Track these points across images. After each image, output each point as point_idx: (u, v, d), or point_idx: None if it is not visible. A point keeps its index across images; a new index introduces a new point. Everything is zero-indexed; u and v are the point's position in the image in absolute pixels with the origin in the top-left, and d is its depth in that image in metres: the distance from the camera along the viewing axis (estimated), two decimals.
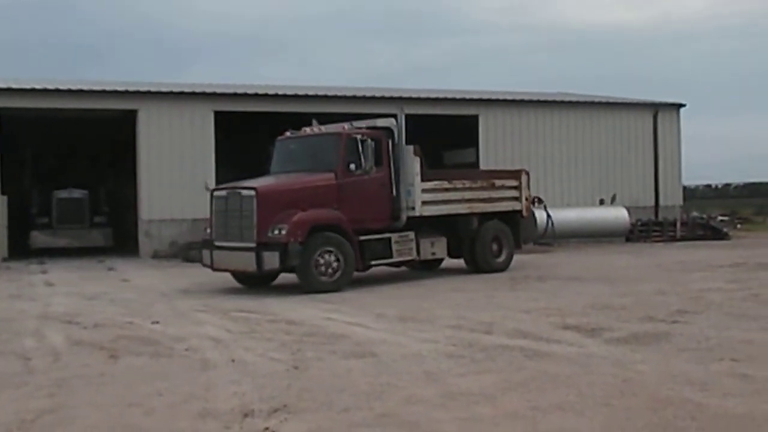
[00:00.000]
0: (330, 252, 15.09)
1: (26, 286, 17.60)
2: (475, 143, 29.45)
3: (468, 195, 18.04)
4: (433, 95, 29.26)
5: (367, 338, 10.18)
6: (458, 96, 29.64)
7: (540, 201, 28.33)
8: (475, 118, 29.11)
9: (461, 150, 31.04)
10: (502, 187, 18.91)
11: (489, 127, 29.22)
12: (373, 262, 16.22)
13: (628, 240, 28.49)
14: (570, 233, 27.84)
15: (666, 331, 10.08)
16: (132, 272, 20.48)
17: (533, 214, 27.82)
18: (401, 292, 14.98)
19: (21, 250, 26.46)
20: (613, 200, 30.38)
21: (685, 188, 64.89)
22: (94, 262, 23.84)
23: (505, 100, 29.73)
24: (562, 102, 31.04)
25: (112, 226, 28.61)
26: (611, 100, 32.10)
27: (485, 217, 18.30)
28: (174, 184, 25.21)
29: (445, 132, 30.93)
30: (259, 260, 14.78)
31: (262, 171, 17.43)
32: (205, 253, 16.04)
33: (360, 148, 16.00)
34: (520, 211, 19.17)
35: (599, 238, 28.10)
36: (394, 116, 17.13)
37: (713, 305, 12.21)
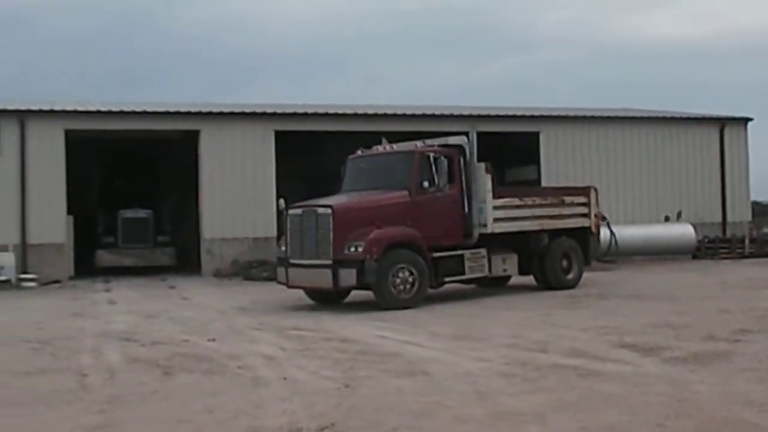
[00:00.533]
0: (405, 269, 15.22)
1: (89, 305, 17.92)
2: (536, 160, 29.21)
3: (538, 212, 18.10)
4: (493, 112, 29.03)
5: (420, 357, 10.11)
6: (519, 113, 29.37)
7: (603, 218, 27.94)
8: (537, 135, 28.87)
9: (523, 167, 30.82)
10: (572, 204, 19.00)
11: (550, 144, 28.93)
12: (447, 279, 16.26)
13: (694, 257, 27.86)
14: (634, 251, 27.34)
15: (727, 351, 9.82)
16: (192, 290, 20.72)
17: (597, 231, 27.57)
18: (456, 311, 14.86)
19: (87, 269, 26.97)
20: (678, 217, 29.75)
21: (759, 204, 63.35)
22: (156, 281, 24.20)
23: (566, 117, 29.41)
24: (625, 118, 30.61)
25: (175, 246, 28.99)
26: (676, 116, 31.55)
27: (555, 233, 18.37)
28: (235, 203, 25.50)
29: (507, 149, 30.75)
30: (335, 277, 14.94)
31: (332, 189, 17.65)
32: (281, 270, 16.22)
33: (433, 165, 16.19)
34: (589, 228, 19.24)
35: (664, 256, 27.56)
36: (466, 134, 17.29)
37: None
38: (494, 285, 18.35)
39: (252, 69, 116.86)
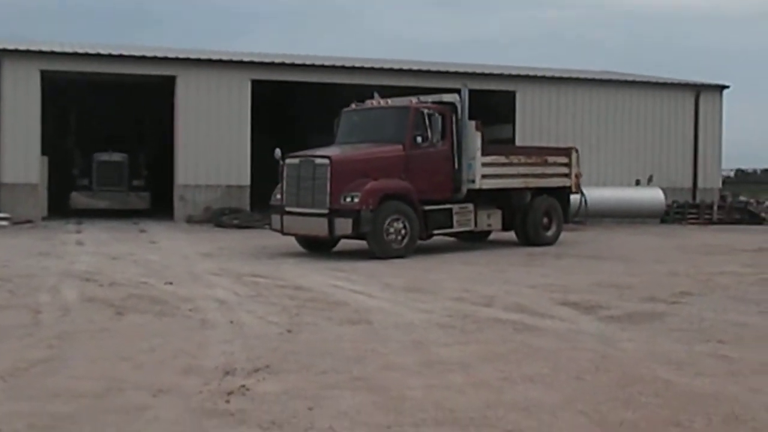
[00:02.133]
0: (399, 220, 15.74)
1: (58, 245, 18.12)
2: (512, 119, 29.39)
3: (523, 170, 18.67)
4: (470, 70, 29.15)
5: (367, 306, 10.40)
6: (496, 71, 29.49)
7: None
8: (513, 94, 29.01)
9: (499, 126, 31.00)
10: (554, 164, 19.60)
11: (526, 104, 29.10)
12: (435, 232, 16.88)
13: (663, 221, 28.23)
14: (604, 213, 27.65)
15: (663, 312, 10.15)
16: (162, 235, 20.93)
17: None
18: (415, 264, 15.12)
19: (62, 210, 27.11)
20: (649, 181, 30.08)
21: (742, 171, 63.58)
22: (129, 225, 24.38)
23: (543, 77, 29.51)
24: (601, 80, 30.81)
25: (150, 190, 29.10)
26: (652, 80, 31.68)
27: (537, 192, 19.00)
28: (210, 150, 25.62)
29: (484, 107, 30.88)
30: (331, 226, 15.43)
31: (324, 142, 18.08)
32: (275, 218, 16.57)
33: (427, 121, 16.66)
34: (569, 187, 19.92)
35: (634, 219, 27.92)
36: (458, 91, 17.75)
37: (720, 288, 12.21)
38: (475, 239, 18.99)
39: (246, 18, 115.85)
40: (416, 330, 8.95)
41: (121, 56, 25.48)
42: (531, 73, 29.76)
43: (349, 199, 15.38)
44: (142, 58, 25.70)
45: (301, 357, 7.65)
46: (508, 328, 9.09)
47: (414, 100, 17.67)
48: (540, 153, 19.93)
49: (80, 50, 25.54)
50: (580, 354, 7.84)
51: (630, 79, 31.83)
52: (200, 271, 13.70)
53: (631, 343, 8.35)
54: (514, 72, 29.69)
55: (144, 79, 26.88)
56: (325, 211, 15.53)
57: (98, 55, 25.24)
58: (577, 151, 20.38)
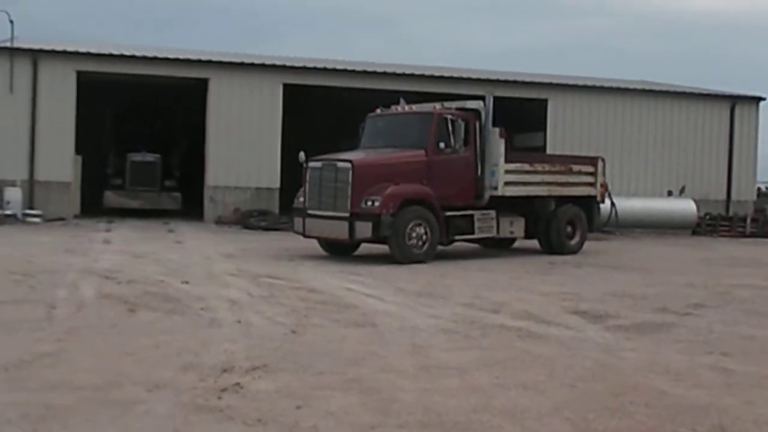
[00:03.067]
0: (420, 225, 15.85)
1: (85, 242, 18.44)
2: (544, 127, 29.35)
3: (547, 178, 18.65)
4: (503, 77, 29.19)
5: (376, 310, 10.49)
6: (528, 80, 29.48)
7: (605, 189, 28.12)
8: (545, 102, 28.98)
9: (531, 134, 30.97)
10: (579, 173, 19.55)
11: (558, 112, 29.08)
12: (457, 237, 16.97)
13: (694, 233, 27.96)
14: (634, 223, 27.52)
15: (672, 323, 10.10)
16: (189, 235, 21.21)
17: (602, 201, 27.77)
18: (431, 269, 15.16)
19: (95, 209, 27.54)
20: (682, 192, 29.83)
21: None
22: (159, 224, 24.72)
23: (575, 86, 29.44)
24: (635, 90, 30.64)
25: (182, 191, 29.47)
26: (687, 91, 31.45)
27: (562, 200, 18.93)
28: (241, 152, 25.92)
29: (516, 115, 30.91)
30: (351, 229, 15.60)
31: (351, 146, 18.23)
32: (298, 220, 16.67)
33: (450, 127, 16.74)
34: (595, 197, 19.86)
35: (665, 230, 27.70)
36: (483, 98, 17.83)
37: (735, 301, 12.12)
38: (499, 246, 19.05)
39: (279, 22, 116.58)
40: (420, 334, 9.01)
41: (155, 58, 25.89)
42: (563, 81, 29.68)
43: (369, 203, 15.50)
44: (176, 60, 26.10)
45: (300, 357, 7.74)
46: (512, 335, 9.11)
47: (437, 106, 17.75)
48: (565, 161, 19.84)
49: (115, 52, 25.95)
50: (578, 362, 7.85)
51: (664, 89, 31.62)
52: (218, 271, 13.88)
53: (633, 353, 8.34)
54: (546, 80, 29.64)
55: (178, 81, 27.24)
56: (346, 215, 15.67)
57: (133, 57, 25.66)
58: (603, 160, 20.28)
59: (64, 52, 25.27)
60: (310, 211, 16.36)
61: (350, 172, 15.77)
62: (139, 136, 30.13)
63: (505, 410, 6.18)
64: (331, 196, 16.00)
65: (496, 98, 28.35)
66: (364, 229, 15.52)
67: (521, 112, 30.02)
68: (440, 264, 16.01)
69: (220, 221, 25.47)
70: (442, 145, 16.59)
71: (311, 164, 16.64)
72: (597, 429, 5.83)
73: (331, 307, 10.58)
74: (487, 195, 17.47)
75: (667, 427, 5.91)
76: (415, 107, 18.20)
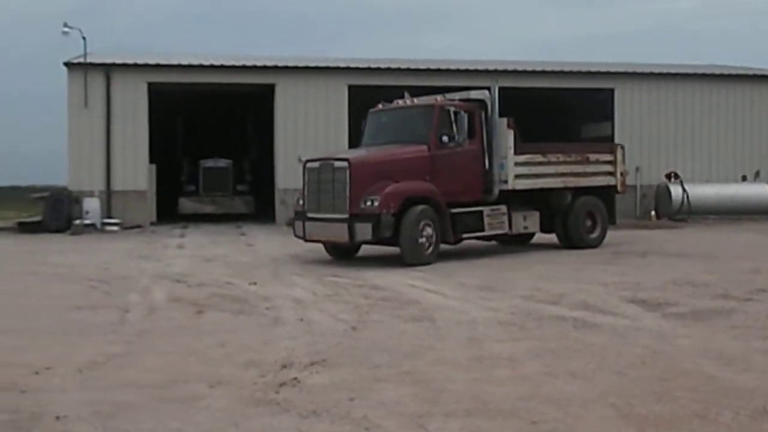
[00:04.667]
0: (429, 225, 15.14)
1: (159, 248, 19.07)
2: (611, 117, 29.16)
3: (562, 169, 17.77)
4: (567, 68, 29.05)
5: (436, 304, 10.71)
6: (593, 69, 29.29)
7: (676, 176, 27.89)
8: (611, 91, 28.77)
9: (598, 124, 30.79)
10: (597, 162, 18.63)
11: (625, 101, 28.84)
12: (465, 236, 16.18)
13: None
14: (708, 210, 27.26)
15: (732, 309, 10.08)
16: (260, 238, 21.74)
17: (668, 188, 27.45)
18: (493, 263, 15.34)
19: (170, 215, 28.37)
20: (756, 177, 29.33)
21: None
22: (232, 228, 25.33)
23: (642, 73, 29.15)
24: (705, 75, 30.13)
25: (254, 194, 30.12)
26: (758, 74, 30.81)
27: (579, 191, 18.02)
28: (309, 154, 26.24)
29: (582, 105, 30.79)
30: (351, 231, 14.84)
31: (356, 144, 17.84)
32: (298, 224, 16.05)
33: (453, 120, 15.94)
34: (614, 186, 18.84)
35: (739, 216, 27.27)
36: (488, 88, 17.19)
37: None
38: (517, 243, 18.31)
39: (341, 24, 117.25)
40: (477, 327, 9.20)
41: (222, 66, 26.52)
42: (630, 69, 29.41)
43: (368, 203, 14.74)
44: (242, 68, 26.66)
45: (358, 352, 8.03)
46: (567, 325, 9.24)
47: (439, 97, 17.00)
48: (582, 150, 18.92)
49: (185, 62, 26.71)
50: (630, 350, 7.95)
51: (735, 72, 31.02)
52: (285, 272, 14.27)
53: (687, 340, 8.40)
54: (612, 69, 29.39)
55: (245, 87, 27.85)
56: (345, 216, 14.92)
57: (201, 66, 26.36)
58: (622, 147, 19.47)
59: (135, 65, 26.08)
60: (309, 214, 15.67)
61: (347, 171, 14.97)
62: (210, 142, 30.88)
63: (552, 398, 6.35)
64: (329, 198, 15.29)
65: (562, 89, 28.56)
66: (364, 230, 14.74)
67: (587, 102, 29.92)
68: (503, 258, 16.15)
69: (291, 223, 25.90)
70: (445, 138, 15.75)
71: (309, 165, 15.98)
72: (640, 414, 5.95)
73: (392, 303, 10.84)
74: (496, 189, 16.66)
75: (711, 410, 6.00)
76: (417, 100, 17.16)
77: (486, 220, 16.31)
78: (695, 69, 31.13)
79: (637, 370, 7.21)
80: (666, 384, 6.70)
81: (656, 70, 29.62)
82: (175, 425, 5.77)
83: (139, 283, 13.07)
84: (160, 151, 27.51)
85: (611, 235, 18.95)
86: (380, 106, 17.66)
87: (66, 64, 25.78)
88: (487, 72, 27.60)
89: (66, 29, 26.01)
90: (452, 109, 16.14)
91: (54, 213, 24.74)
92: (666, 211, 27.50)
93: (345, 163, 15.19)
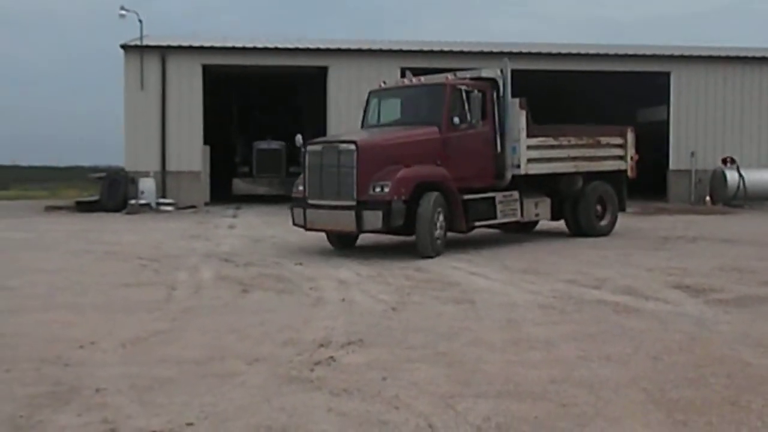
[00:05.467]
0: (441, 213, 14.06)
1: (210, 228, 19.38)
2: (667, 101, 28.77)
3: (573, 153, 16.81)
4: (621, 51, 28.67)
5: (477, 287, 10.75)
6: (649, 52, 28.85)
7: (733, 161, 27.43)
8: (667, 75, 28.35)
9: (653, 108, 30.41)
10: (608, 145, 17.68)
11: (681, 85, 28.39)
12: (477, 223, 15.07)
13: None
14: (765, 195, 26.88)
15: None
16: None
17: (723, 173, 27.01)
18: (540, 247, 15.24)
19: (225, 196, 28.75)
20: None
21: None
22: (284, 209, 25.44)
23: (698, 57, 28.65)
24: (763, 58, 29.48)
25: None
26: None
27: (590, 176, 17.16)
28: None
29: (638, 89, 30.43)
30: (359, 220, 13.56)
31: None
32: (297, 212, 14.69)
33: (465, 100, 14.78)
34: (625, 171, 17.93)
35: None
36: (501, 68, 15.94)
37: None
38: (521, 230, 17.41)
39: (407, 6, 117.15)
40: (516, 310, 9.22)
41: (276, 49, 26.74)
42: (686, 53, 28.91)
43: (378, 189, 13.48)
44: (295, 50, 26.86)
45: (395, 333, 8.11)
46: (607, 309, 9.21)
47: (450, 76, 15.80)
48: (592, 133, 17.57)
49: (238, 44, 26.96)
50: (669, 335, 7.90)
51: None
52: (332, 253, 14.40)
53: (728, 326, 8.32)
54: (668, 52, 28.93)
55: (299, 69, 28.03)
56: (353, 203, 13.59)
57: (254, 49, 26.60)
58: (633, 130, 18.25)
59: (190, 48, 26.42)
60: (311, 201, 14.27)
61: (355, 154, 13.65)
62: (263, 124, 31.16)
63: (584, 381, 6.36)
64: (334, 183, 13.88)
65: (616, 72, 28.21)
66: (373, 218, 13.46)
67: (643, 85, 29.53)
68: (550, 243, 16.07)
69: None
70: (456, 120, 14.50)
71: (310, 148, 14.51)
72: (672, 398, 5.94)
73: (434, 285, 10.90)
74: (508, 174, 15.54)
75: (743, 396, 5.96)
76: (424, 79, 15.91)
77: (498, 207, 15.28)
78: (753, 52, 30.47)
79: (673, 355, 7.17)
80: (701, 370, 6.67)
81: (713, 53, 29.09)
82: (209, 400, 5.91)
83: (188, 262, 13.33)
84: (214, 132, 27.85)
85: (663, 220, 18.83)
86: (382, 85, 16.80)
87: (123, 46, 26.25)
88: (549, 55, 27.48)
89: (123, 12, 26.46)
90: (464, 88, 14.97)
91: (111, 193, 25.30)
92: (721, 196, 27.08)
93: (352, 146, 13.81)
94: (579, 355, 7.19)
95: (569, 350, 7.37)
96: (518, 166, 15.59)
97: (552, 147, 16.41)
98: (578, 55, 27.99)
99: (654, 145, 29.87)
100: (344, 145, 13.99)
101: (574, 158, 16.81)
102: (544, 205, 16.50)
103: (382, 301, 9.77)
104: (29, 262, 13.71)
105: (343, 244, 15.17)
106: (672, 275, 11.51)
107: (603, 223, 17.41)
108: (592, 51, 28.55)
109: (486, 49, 27.98)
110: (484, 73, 15.83)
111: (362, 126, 16.17)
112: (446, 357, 7.17)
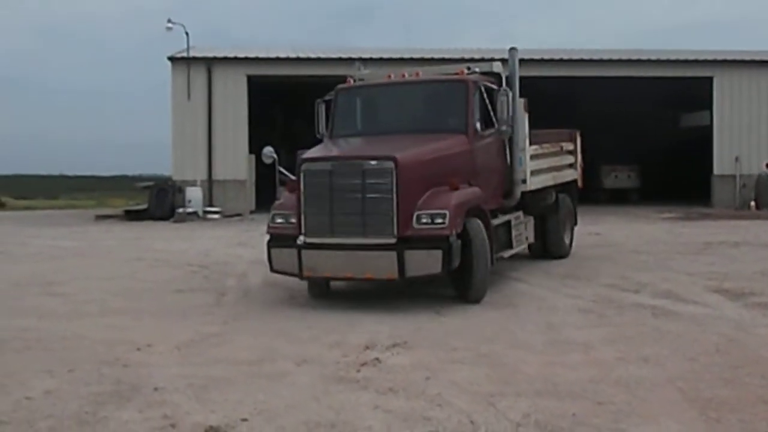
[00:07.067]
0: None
1: (256, 236, 19.58)
2: (710, 105, 28.76)
3: (552, 162, 14.36)
4: (663, 56, 28.68)
5: (520, 291, 11.01)
6: (691, 57, 28.83)
7: None
8: (710, 80, 28.32)
9: (695, 113, 30.43)
10: (566, 152, 15.26)
11: (724, 89, 28.33)
12: (497, 255, 11.31)
13: None
14: None
15: None
16: None
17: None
18: (581, 253, 15.25)
19: (270, 204, 29.15)
20: None
21: None
22: None
23: (741, 61, 28.57)
24: None
25: None
26: None
27: (558, 189, 14.56)
28: None
29: (681, 94, 30.42)
30: (402, 263, 9.76)
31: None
32: (284, 254, 10.55)
33: (488, 100, 11.70)
34: (576, 181, 15.66)
35: None
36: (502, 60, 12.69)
37: None
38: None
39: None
40: (556, 314, 9.44)
41: (318, 59, 27.14)
42: (729, 57, 28.85)
43: (427, 221, 9.93)
44: (338, 60, 27.14)
45: (437, 336, 8.39)
46: (646, 313, 9.39)
47: (464, 70, 12.16)
48: (554, 138, 14.77)
49: (282, 55, 27.48)
50: (707, 337, 8.08)
51: None
52: None
53: (766, 329, 8.48)
54: (710, 57, 28.87)
55: (343, 79, 28.31)
56: (391, 241, 9.88)
57: (298, 59, 27.06)
58: (581, 134, 15.93)
59: (236, 59, 27.00)
60: (310, 240, 10.30)
61: (393, 174, 9.93)
62: (309, 133, 31.55)
63: (620, 381, 6.57)
64: (356, 214, 10.09)
65: (660, 78, 28.20)
66: (427, 261, 9.79)
67: (686, 90, 29.51)
68: (592, 248, 16.17)
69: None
70: (479, 125, 11.51)
71: (309, 166, 10.61)
72: (706, 397, 6.13)
73: None
74: (518, 191, 12.50)
75: None
76: (422, 73, 12.30)
77: (513, 233, 12.47)
78: None
79: (710, 356, 7.35)
80: (736, 371, 6.84)
81: (756, 57, 28.99)
82: (262, 398, 6.23)
83: (235, 269, 13.72)
84: (259, 141, 28.31)
85: (706, 225, 18.90)
86: (351, 81, 12.94)
87: (170, 58, 26.88)
88: (591, 61, 27.59)
89: (170, 25, 27.10)
90: (485, 85, 11.85)
91: (158, 201, 25.88)
92: (766, 201, 26.95)
93: (389, 163, 10.00)
94: (617, 356, 7.40)
95: (607, 352, 7.57)
96: (524, 181, 12.70)
97: (543, 156, 13.88)
98: (620, 61, 28.04)
99: (699, 149, 29.87)
100: (376, 163, 10.12)
101: (552, 168, 14.34)
102: (531, 226, 13.70)
103: (427, 306, 10.01)
104: (83, 269, 14.20)
105: (321, 292, 11.16)
106: (713, 279, 11.62)
107: (567, 241, 15.05)
108: (633, 57, 28.57)
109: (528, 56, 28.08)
110: (495, 68, 12.43)
111: (330, 134, 12.55)
112: (487, 358, 7.43)
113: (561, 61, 27.79)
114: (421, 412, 5.84)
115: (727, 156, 28.25)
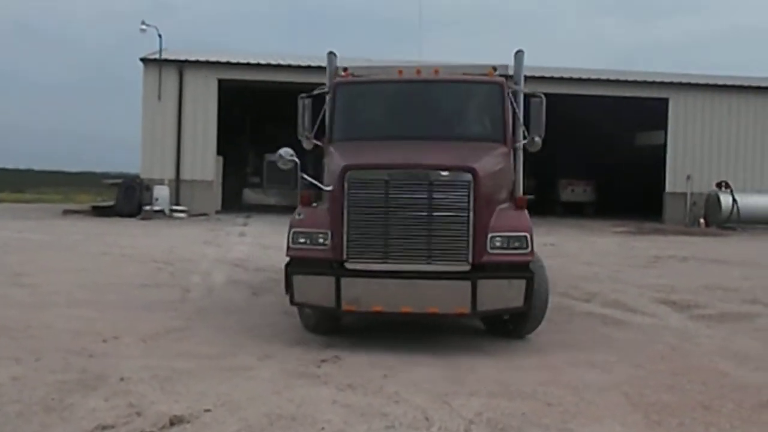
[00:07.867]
0: None
1: (222, 235, 19.98)
2: (665, 125, 29.60)
3: None
4: (622, 77, 29.38)
5: None
6: (649, 79, 29.56)
7: (727, 185, 28.08)
8: (665, 101, 29.12)
9: (650, 132, 31.24)
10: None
11: (679, 111, 29.22)
12: None
13: None
14: (758, 219, 27.48)
15: (758, 313, 10.55)
16: None
17: (718, 197, 27.53)
18: None
19: (236, 205, 29.40)
20: None
21: None
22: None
23: (696, 84, 29.42)
24: (759, 88, 30.23)
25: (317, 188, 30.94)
26: None
27: None
28: None
29: (636, 114, 31.18)
30: (476, 295, 8.06)
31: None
32: (316, 283, 8.49)
33: (519, 105, 10.28)
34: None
35: None
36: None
37: None
38: None
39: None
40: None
41: (288, 66, 27.42)
42: (685, 80, 29.67)
43: (503, 244, 8.28)
44: (307, 68, 27.44)
45: (399, 336, 8.67)
46: (596, 321, 9.79)
47: (493, 71, 10.39)
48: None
49: (253, 60, 27.69)
50: (652, 346, 8.47)
51: None
52: None
53: (708, 339, 8.88)
54: (667, 79, 29.63)
55: (310, 86, 28.54)
56: (464, 269, 8.17)
57: (268, 65, 27.34)
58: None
59: (207, 62, 27.25)
60: (355, 265, 8.30)
61: (471, 187, 8.23)
62: (276, 137, 31.82)
63: (570, 385, 6.91)
64: (420, 235, 8.20)
65: (618, 97, 28.86)
66: (506, 293, 8.20)
67: (641, 109, 30.28)
68: (545, 259, 16.40)
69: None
70: (514, 134, 10.11)
71: (358, 174, 8.42)
72: (649, 401, 6.48)
73: None
74: None
75: (716, 402, 6.51)
76: (441, 71, 10.29)
77: None
78: (749, 81, 31.18)
79: (655, 364, 7.72)
80: (679, 378, 7.21)
81: (711, 82, 29.88)
82: (224, 390, 6.48)
83: (200, 266, 13.94)
84: (227, 143, 28.53)
85: (656, 240, 19.42)
86: (349, 76, 10.68)
87: (142, 59, 27.02)
88: (552, 79, 28.08)
89: (144, 27, 27.22)
90: (518, 88, 10.44)
91: (126, 199, 25.99)
92: (715, 219, 27.72)
93: (467, 175, 8.28)
94: (567, 361, 7.76)
95: (558, 357, 7.93)
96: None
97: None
98: (580, 80, 28.62)
99: (652, 167, 30.66)
100: (447, 174, 8.33)
101: None
102: None
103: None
104: (50, 262, 14.33)
105: (331, 328, 9.05)
106: (660, 292, 12.06)
107: None
108: (593, 76, 29.17)
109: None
110: (510, 71, 10.71)
111: (330, 137, 10.43)
112: (442, 360, 7.72)
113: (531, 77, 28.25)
114: (378, 408, 6.12)
115: (679, 174, 29.08)
